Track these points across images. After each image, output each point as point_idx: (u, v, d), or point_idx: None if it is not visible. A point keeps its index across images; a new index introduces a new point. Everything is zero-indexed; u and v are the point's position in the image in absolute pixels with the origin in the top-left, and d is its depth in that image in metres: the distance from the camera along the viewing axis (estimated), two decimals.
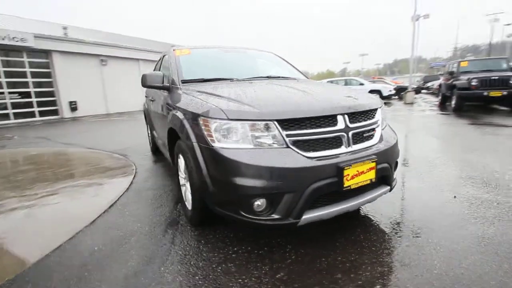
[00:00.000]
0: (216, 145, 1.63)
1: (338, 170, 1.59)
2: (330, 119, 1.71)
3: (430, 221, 2.09)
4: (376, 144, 1.87)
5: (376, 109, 2.02)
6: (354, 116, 1.82)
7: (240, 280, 1.53)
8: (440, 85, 12.13)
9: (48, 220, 2.41)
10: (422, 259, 1.65)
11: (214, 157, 1.64)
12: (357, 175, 1.66)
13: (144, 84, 2.67)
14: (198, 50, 3.08)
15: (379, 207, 2.34)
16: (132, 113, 15.64)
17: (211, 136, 1.67)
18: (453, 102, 9.10)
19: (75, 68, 15.06)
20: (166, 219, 2.31)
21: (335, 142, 1.70)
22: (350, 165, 1.61)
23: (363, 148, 1.78)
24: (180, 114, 2.03)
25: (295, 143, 1.61)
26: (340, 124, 1.72)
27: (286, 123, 1.62)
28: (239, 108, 1.67)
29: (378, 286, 1.44)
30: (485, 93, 7.91)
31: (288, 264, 1.65)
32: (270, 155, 1.55)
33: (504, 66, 9.46)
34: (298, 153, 1.58)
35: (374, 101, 2.05)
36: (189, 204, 2.12)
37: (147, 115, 4.43)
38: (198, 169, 1.75)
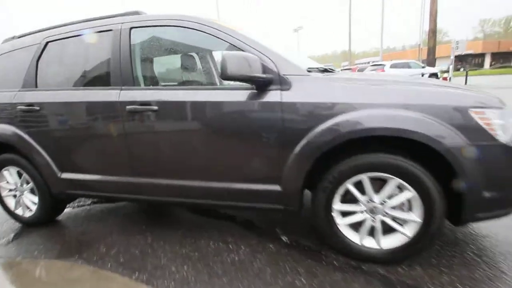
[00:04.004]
0: (505, 139, 1.37)
1: None
2: None
3: None
4: None
5: None
6: None
7: None
8: None
9: None
10: None
11: (508, 154, 1.36)
12: None
13: (226, 74, 1.42)
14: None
15: None
16: None
17: (493, 130, 1.36)
18: None
19: None
20: None
21: None
22: None
23: None
24: (405, 112, 1.36)
25: None
26: None
27: None
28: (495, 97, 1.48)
29: None
30: None
31: None
32: None
33: None
34: None
35: None
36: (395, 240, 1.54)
37: (26, 144, 2.11)
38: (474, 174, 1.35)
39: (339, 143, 1.44)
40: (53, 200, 2.30)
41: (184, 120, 1.72)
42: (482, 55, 35.64)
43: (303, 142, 1.50)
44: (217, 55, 2.42)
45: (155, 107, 1.72)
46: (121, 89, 1.84)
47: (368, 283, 1.47)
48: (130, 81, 1.84)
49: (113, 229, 2.25)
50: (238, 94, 1.63)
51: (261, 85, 1.56)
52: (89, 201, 2.87)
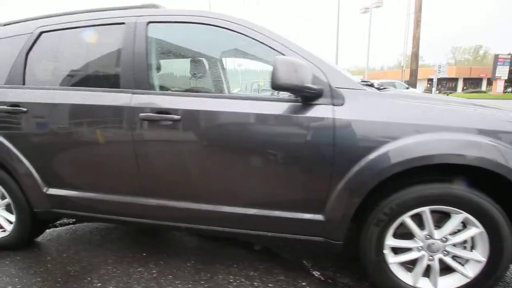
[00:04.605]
0: None
1: None
2: None
3: None
4: None
5: None
6: None
7: None
8: None
9: None
10: None
11: None
12: None
13: (277, 83, 1.21)
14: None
15: None
16: None
17: None
18: None
19: None
20: None
21: None
22: None
23: None
24: (483, 138, 1.19)
25: None
26: None
27: None
28: None
29: None
30: None
31: None
32: None
33: None
34: None
35: None
36: None
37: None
38: None
39: (403, 170, 1.24)
40: (33, 219, 1.91)
41: (213, 134, 1.45)
42: (455, 80, 38.06)
43: (358, 166, 1.29)
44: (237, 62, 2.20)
45: (177, 117, 1.45)
46: (133, 93, 1.55)
47: None
48: (145, 84, 1.55)
49: (107, 257, 1.88)
50: (278, 107, 1.39)
51: (309, 97, 1.34)
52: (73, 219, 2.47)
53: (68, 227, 2.36)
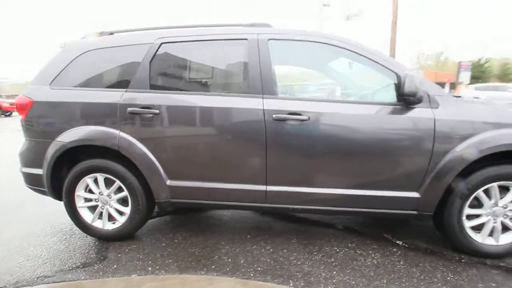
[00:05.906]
0: None
1: None
2: None
3: None
4: None
5: None
6: None
7: None
8: None
9: None
10: None
11: None
12: None
13: (403, 92, 1.66)
14: None
15: None
16: None
17: None
18: None
19: None
20: None
21: None
22: None
23: None
24: None
25: None
26: None
27: None
28: None
29: None
30: None
31: None
32: None
33: None
34: None
35: None
36: None
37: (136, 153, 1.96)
38: None
39: (489, 154, 1.71)
40: (149, 210, 2.14)
41: (337, 131, 1.83)
42: None
43: (452, 153, 1.73)
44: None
45: (306, 117, 1.80)
46: (264, 98, 1.87)
47: (500, 275, 1.72)
48: (272, 90, 1.89)
49: (218, 240, 2.16)
50: (385, 109, 1.81)
51: (413, 102, 1.77)
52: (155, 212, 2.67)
53: (157, 219, 2.57)
